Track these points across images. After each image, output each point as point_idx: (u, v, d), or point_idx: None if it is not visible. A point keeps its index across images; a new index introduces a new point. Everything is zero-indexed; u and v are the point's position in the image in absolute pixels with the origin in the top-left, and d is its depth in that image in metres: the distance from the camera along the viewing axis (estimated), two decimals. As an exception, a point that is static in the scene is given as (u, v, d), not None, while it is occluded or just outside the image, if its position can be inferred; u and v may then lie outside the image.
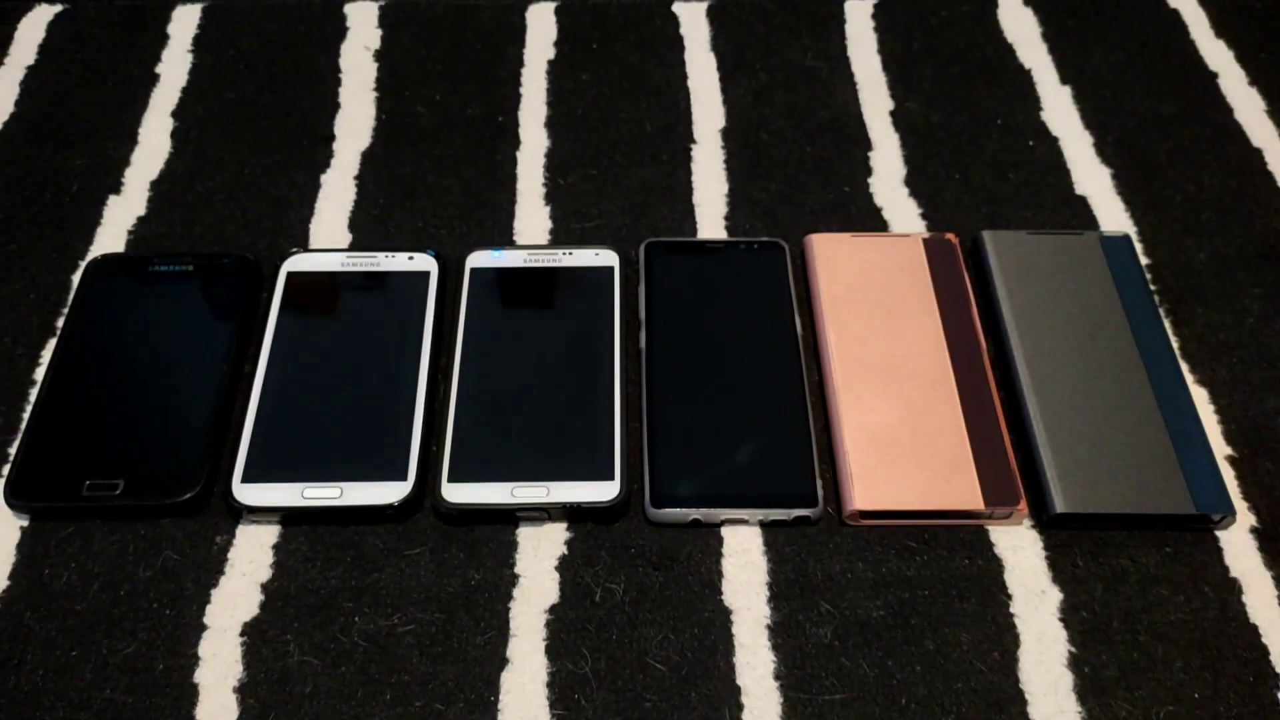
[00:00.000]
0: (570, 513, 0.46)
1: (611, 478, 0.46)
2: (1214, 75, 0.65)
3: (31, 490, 0.46)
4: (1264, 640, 0.44)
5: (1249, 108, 0.63)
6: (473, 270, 0.54)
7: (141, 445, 0.47)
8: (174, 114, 0.62)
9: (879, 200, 0.58)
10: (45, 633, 0.43)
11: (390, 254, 0.54)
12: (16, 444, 0.48)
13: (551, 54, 0.66)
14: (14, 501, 0.46)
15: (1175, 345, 0.52)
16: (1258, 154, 0.61)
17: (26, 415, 0.49)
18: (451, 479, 0.46)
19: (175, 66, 0.65)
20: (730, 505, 0.46)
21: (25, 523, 0.46)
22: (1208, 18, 0.68)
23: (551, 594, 0.45)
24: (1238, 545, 0.46)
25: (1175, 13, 0.68)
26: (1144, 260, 0.56)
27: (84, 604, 0.44)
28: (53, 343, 0.52)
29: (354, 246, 0.56)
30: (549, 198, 0.58)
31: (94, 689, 0.42)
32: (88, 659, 0.42)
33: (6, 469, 0.47)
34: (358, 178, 0.59)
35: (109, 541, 0.46)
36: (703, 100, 0.63)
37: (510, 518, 0.46)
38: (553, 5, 0.68)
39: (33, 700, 0.41)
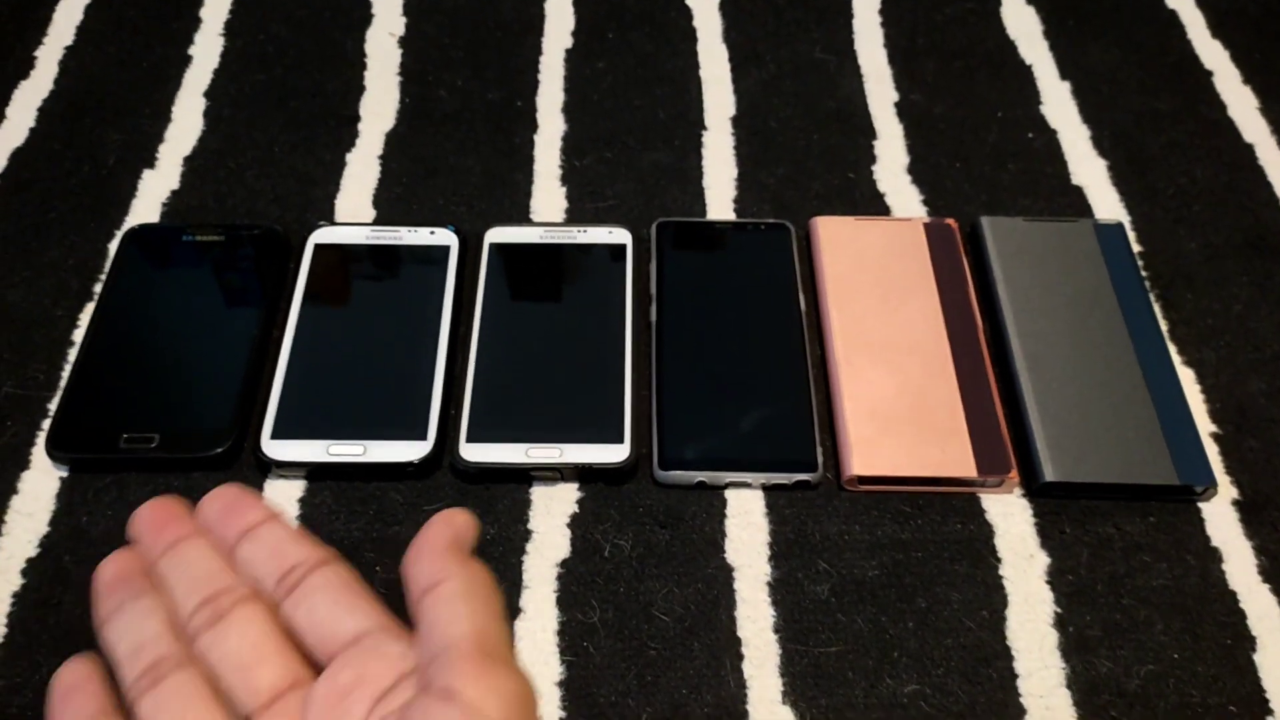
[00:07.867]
0: (582, 473, 0.49)
1: (621, 441, 0.48)
2: (1209, 73, 0.67)
3: (71, 442, 0.48)
4: (1242, 605, 0.46)
5: (1242, 105, 0.65)
6: (491, 245, 0.56)
7: (176, 402, 0.49)
8: (206, 94, 0.65)
9: (882, 186, 0.61)
10: (83, 575, 0.46)
11: (413, 228, 0.56)
12: (57, 399, 0.50)
13: (569, 43, 0.68)
14: (54, 453, 0.48)
15: (1164, 328, 0.55)
16: (1249, 149, 0.63)
17: (66, 372, 0.51)
18: (469, 439, 0.48)
19: (207, 49, 0.67)
20: (734, 469, 0.48)
21: (64, 473, 0.49)
22: (1204, 18, 0.70)
23: (563, 549, 0.47)
24: (1219, 516, 0.48)
25: (1173, 13, 0.71)
26: (1136, 248, 0.58)
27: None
28: (91, 306, 0.54)
29: (378, 221, 0.58)
30: (565, 178, 0.61)
31: (129, 627, 0.44)
32: (123, 600, 0.45)
33: (47, 423, 0.50)
34: (382, 157, 0.62)
35: (144, 492, 0.48)
36: (714, 89, 0.66)
37: (524, 477, 0.49)
38: (571, -4, 0.71)
39: (71, 638, 0.44)
